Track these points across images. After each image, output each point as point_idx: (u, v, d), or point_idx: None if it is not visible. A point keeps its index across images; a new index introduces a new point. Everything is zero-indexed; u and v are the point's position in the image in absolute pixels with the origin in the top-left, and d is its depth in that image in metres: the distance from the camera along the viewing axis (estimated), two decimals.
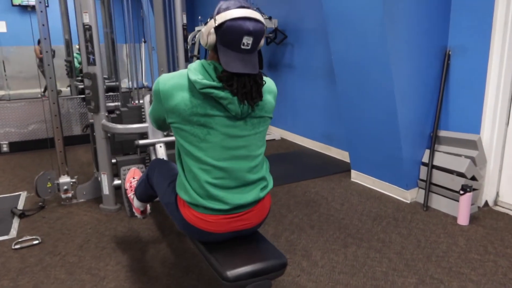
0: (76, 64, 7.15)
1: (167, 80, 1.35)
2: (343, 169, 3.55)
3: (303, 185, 3.25)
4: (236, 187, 1.41)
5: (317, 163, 3.85)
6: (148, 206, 2.14)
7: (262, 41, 1.36)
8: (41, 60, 7.09)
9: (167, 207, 1.57)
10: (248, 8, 1.29)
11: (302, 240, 2.36)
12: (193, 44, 5.97)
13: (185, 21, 2.79)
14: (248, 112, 1.36)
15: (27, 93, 6.84)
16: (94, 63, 2.60)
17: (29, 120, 4.47)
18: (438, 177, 2.75)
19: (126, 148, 3.08)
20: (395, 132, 2.75)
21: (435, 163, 2.78)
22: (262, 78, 1.38)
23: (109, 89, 5.04)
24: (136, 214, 2.12)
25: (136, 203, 2.05)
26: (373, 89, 2.79)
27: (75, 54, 7.34)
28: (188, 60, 2.90)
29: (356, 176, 3.31)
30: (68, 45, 6.03)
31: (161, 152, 2.52)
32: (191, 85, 1.30)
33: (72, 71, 6.07)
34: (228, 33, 1.26)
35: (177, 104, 1.31)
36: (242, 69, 1.29)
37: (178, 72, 1.36)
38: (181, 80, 1.32)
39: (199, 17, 6.07)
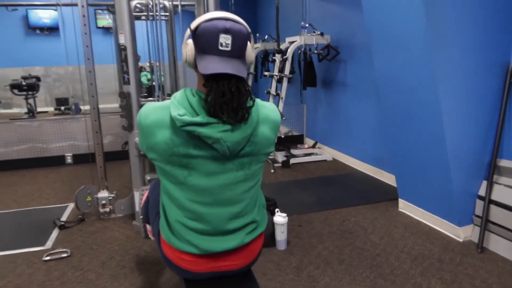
0: (145, 81, 7.57)
1: (148, 113, 1.19)
2: (392, 197, 3.23)
3: (343, 212, 3.01)
4: (213, 234, 1.27)
5: (365, 189, 3.55)
6: None
7: (251, 51, 1.20)
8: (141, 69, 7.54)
9: (155, 238, 1.49)
10: (227, 13, 1.17)
11: (326, 277, 2.14)
12: None
13: (122, 41, 2.70)
14: (237, 149, 1.19)
15: (106, 107, 7.40)
16: (128, 82, 2.67)
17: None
18: (498, 214, 2.35)
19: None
20: (443, 160, 2.41)
21: (494, 197, 2.38)
22: (245, 86, 1.18)
23: None
24: (149, 236, 2.09)
25: (148, 225, 2.02)
26: (418, 109, 2.49)
27: (144, 72, 7.77)
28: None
29: (404, 206, 2.98)
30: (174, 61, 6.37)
31: None
32: (173, 121, 1.15)
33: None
34: (203, 35, 1.12)
35: (157, 143, 1.18)
36: (221, 69, 1.12)
37: (162, 103, 1.20)
38: (162, 115, 1.17)
39: (257, 34, 6.09)
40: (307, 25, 4.28)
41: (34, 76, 9.05)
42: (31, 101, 8.50)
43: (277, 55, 4.45)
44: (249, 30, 1.19)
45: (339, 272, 2.19)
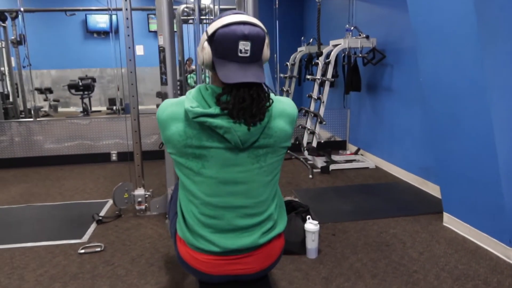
0: (192, 83, 7.73)
1: (165, 108, 1.24)
2: (436, 210, 3.01)
3: (382, 223, 2.85)
4: (228, 231, 1.24)
5: (407, 199, 3.36)
6: None
7: (267, 51, 1.20)
8: (190, 72, 7.78)
9: (172, 239, 1.48)
10: (243, 14, 1.15)
11: None
12: (293, 65, 5.92)
13: (160, 43, 2.68)
14: (250, 140, 1.18)
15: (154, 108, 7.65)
16: (166, 83, 2.70)
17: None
18: None
19: None
20: (493, 172, 2.21)
21: None
22: (264, 92, 1.19)
23: None
24: None
25: None
26: (466, 116, 2.30)
27: (191, 75, 7.94)
28: None
29: (449, 221, 2.76)
30: (181, 65, 6.53)
31: None
32: (187, 114, 1.18)
33: (182, 89, 6.55)
34: (222, 41, 1.12)
35: (171, 135, 1.21)
36: (242, 77, 1.12)
37: (179, 99, 1.25)
38: (177, 109, 1.21)
39: (302, 37, 6.01)
40: (352, 28, 4.14)
41: (90, 77, 9.56)
42: (86, 100, 8.98)
43: (320, 58, 4.35)
44: (265, 30, 1.18)
45: (371, 286, 2.06)
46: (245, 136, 1.16)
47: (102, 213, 3.12)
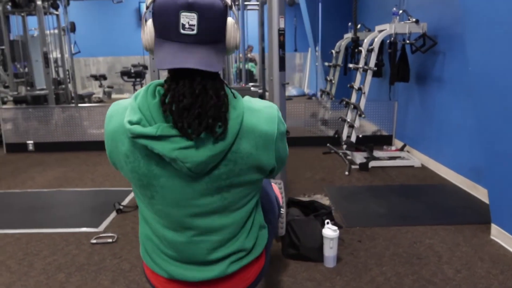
0: (254, 70, 7.57)
1: (112, 115, 0.96)
2: (484, 220, 2.63)
3: (417, 231, 2.53)
4: (188, 264, 1.04)
5: (452, 205, 2.98)
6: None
7: (232, 31, 0.89)
8: (250, 60, 7.75)
9: None
10: None
11: None
12: (337, 53, 5.57)
13: (282, 26, 2.49)
14: (206, 169, 0.90)
15: None
16: None
17: None
18: None
19: None
20: None
21: None
22: (217, 87, 0.88)
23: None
24: None
25: None
26: None
27: (251, 63, 7.78)
28: (284, 69, 2.58)
29: (498, 234, 2.39)
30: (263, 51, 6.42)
31: None
32: None
33: (224, 77, 6.45)
34: (160, 14, 0.84)
35: (117, 155, 0.95)
36: (179, 62, 0.83)
37: (129, 102, 0.93)
38: (123, 119, 0.91)
39: (349, 23, 5.62)
40: (400, 11, 3.74)
41: (141, 65, 9.79)
42: (138, 87, 9.23)
43: (363, 45, 4.01)
44: (229, 2, 0.87)
45: None
46: (197, 167, 0.88)
47: (124, 202, 3.09)
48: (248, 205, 1.04)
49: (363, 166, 3.90)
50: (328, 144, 4.74)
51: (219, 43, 0.88)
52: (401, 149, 4.46)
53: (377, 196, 3.18)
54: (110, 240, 2.46)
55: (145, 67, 9.62)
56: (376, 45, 3.76)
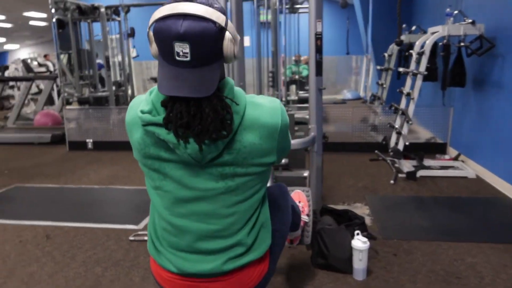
0: (289, 74, 7.58)
1: (130, 107, 1.09)
2: None
3: (461, 248, 2.36)
4: (188, 252, 1.08)
5: (504, 221, 2.74)
6: (299, 236, 1.90)
7: (229, 46, 0.94)
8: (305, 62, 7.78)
9: None
10: (195, 3, 0.90)
11: None
12: (390, 56, 5.36)
13: (319, 30, 2.45)
14: (208, 158, 0.98)
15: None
16: None
17: None
18: None
19: (293, 162, 2.87)
20: None
21: None
22: (213, 105, 0.94)
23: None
24: None
25: None
26: None
27: (290, 65, 7.79)
28: (321, 74, 2.54)
29: None
30: (274, 56, 6.42)
31: None
32: None
33: (274, 81, 6.46)
34: (158, 40, 0.93)
35: (133, 141, 1.07)
36: (174, 90, 0.91)
37: (145, 96, 1.06)
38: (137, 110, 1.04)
39: (403, 25, 5.37)
40: (454, 12, 3.52)
41: None
42: None
43: (415, 48, 3.82)
44: (219, 22, 0.91)
45: None
46: (197, 154, 0.97)
47: None
48: (252, 199, 1.07)
49: (411, 175, 3.71)
50: (376, 151, 4.58)
51: (214, 62, 0.94)
52: (455, 159, 4.19)
53: (421, 208, 3.01)
54: (146, 238, 2.57)
55: None
56: (427, 48, 3.56)
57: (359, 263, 2.04)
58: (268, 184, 2.11)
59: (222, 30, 0.92)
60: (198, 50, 0.89)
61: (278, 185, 1.44)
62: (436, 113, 4.63)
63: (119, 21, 6.82)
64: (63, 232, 2.70)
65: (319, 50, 2.46)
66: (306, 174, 2.65)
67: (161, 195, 1.07)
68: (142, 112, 0.98)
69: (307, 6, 6.15)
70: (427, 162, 4.05)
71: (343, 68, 10.99)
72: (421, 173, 3.77)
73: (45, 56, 11.37)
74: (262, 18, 10.39)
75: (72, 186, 3.76)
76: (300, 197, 1.94)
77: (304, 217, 1.86)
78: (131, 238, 2.58)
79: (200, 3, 0.90)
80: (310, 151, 2.58)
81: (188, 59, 0.90)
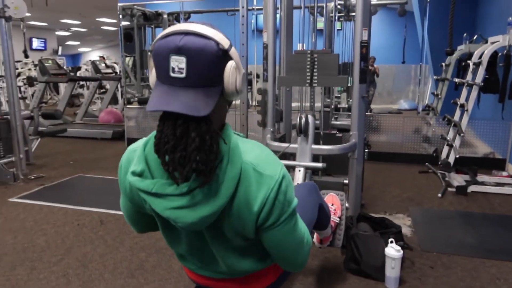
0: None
1: (120, 166, 1.03)
2: None
3: (505, 267, 2.25)
4: (200, 269, 1.16)
5: None
6: (330, 237, 1.93)
7: (230, 71, 0.85)
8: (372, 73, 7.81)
9: None
10: (196, 23, 0.86)
11: None
12: (447, 65, 5.17)
13: (365, 38, 2.47)
14: (200, 228, 0.93)
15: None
16: (267, 80, 2.71)
17: None
18: None
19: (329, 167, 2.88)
20: None
21: None
22: (203, 130, 0.83)
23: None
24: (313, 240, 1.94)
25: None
26: None
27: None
28: (365, 82, 2.55)
29: None
30: None
31: (297, 177, 2.36)
32: None
33: (325, 88, 6.45)
34: (155, 57, 0.85)
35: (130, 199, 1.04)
36: (163, 105, 0.82)
37: (139, 149, 0.94)
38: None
39: (464, 34, 5.15)
40: None
41: (249, 73, 10.37)
42: (249, 95, 9.82)
43: (473, 58, 3.68)
44: (226, 45, 0.85)
45: None
46: (189, 227, 0.88)
47: None
48: (247, 260, 1.07)
49: (461, 190, 3.57)
50: (426, 163, 4.44)
51: (211, 86, 0.85)
52: None
53: (467, 224, 2.90)
54: None
55: (257, 75, 10.15)
56: (484, 59, 3.42)
57: (391, 271, 2.03)
58: (300, 182, 2.17)
59: (225, 54, 0.85)
60: (195, 67, 0.82)
61: (307, 183, 1.50)
62: (496, 127, 4.40)
63: None
64: (115, 220, 2.93)
65: (364, 58, 2.48)
66: (346, 181, 2.66)
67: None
68: (133, 173, 0.90)
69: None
70: (481, 177, 3.86)
71: (400, 77, 10.66)
72: (473, 188, 3.61)
73: (101, 57, 12.20)
74: (320, 25, 10.43)
75: None
76: (334, 200, 1.98)
77: (335, 218, 1.90)
78: None
79: (206, 25, 0.86)
80: (350, 158, 2.59)
81: (183, 75, 0.82)
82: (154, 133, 0.90)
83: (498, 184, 3.76)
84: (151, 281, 2.10)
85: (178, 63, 0.82)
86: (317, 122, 3.04)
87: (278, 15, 2.86)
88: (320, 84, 2.54)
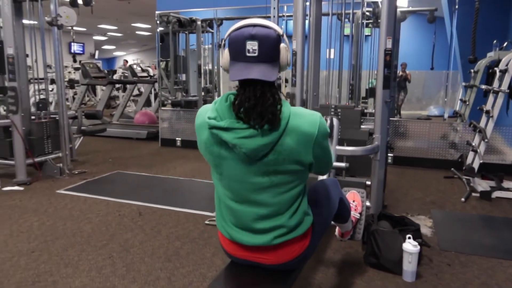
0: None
1: (198, 115, 1.32)
2: None
3: (510, 266, 2.34)
4: (244, 229, 1.36)
5: None
6: (351, 231, 2.09)
7: (284, 53, 1.21)
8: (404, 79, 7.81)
9: None
10: (258, 19, 1.20)
11: None
12: (476, 72, 5.19)
13: (389, 46, 2.62)
14: (259, 155, 1.22)
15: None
16: (295, 85, 2.90)
17: None
18: None
19: (354, 169, 3.06)
20: None
21: None
22: (271, 92, 1.19)
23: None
24: (335, 233, 2.15)
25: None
26: None
27: (371, 80, 7.84)
28: (388, 87, 2.69)
29: None
30: (354, 70, 6.55)
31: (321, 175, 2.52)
32: None
33: (353, 93, 6.57)
34: (232, 43, 1.19)
35: (200, 141, 1.31)
36: (245, 74, 1.16)
37: (211, 105, 1.30)
38: (205, 117, 1.28)
39: (494, 41, 5.16)
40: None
41: (279, 78, 10.51)
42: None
43: (500, 65, 3.73)
44: (281, 32, 1.20)
45: None
46: (250, 152, 1.19)
47: None
48: (292, 192, 1.31)
49: (485, 195, 3.62)
50: (452, 169, 4.49)
51: (274, 61, 1.21)
52: None
53: (489, 227, 2.97)
54: (214, 223, 2.93)
55: (285, 80, 10.31)
56: (510, 65, 3.48)
57: (408, 265, 2.17)
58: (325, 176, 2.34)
59: (279, 38, 1.20)
60: (264, 48, 1.16)
61: (331, 178, 1.69)
62: None
63: (212, 33, 7.47)
64: (152, 212, 3.18)
65: (387, 65, 2.63)
66: (368, 182, 2.80)
67: (222, 185, 1.35)
68: (209, 118, 1.22)
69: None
70: (507, 184, 3.89)
71: (430, 84, 10.58)
72: (497, 194, 3.65)
73: (125, 61, 12.65)
74: (347, 31, 10.50)
75: (162, 176, 4.32)
76: (355, 197, 2.14)
77: (355, 214, 2.06)
78: (207, 222, 2.96)
79: (265, 19, 1.22)
80: (373, 160, 2.74)
81: (256, 54, 1.16)
82: (221, 97, 1.26)
83: None
84: (186, 265, 2.32)
85: (252, 46, 1.16)
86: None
87: (307, 21, 3.04)
88: (343, 136, 2.75)
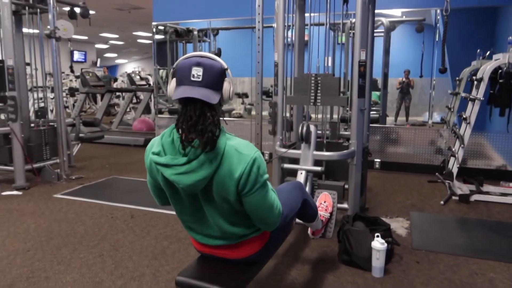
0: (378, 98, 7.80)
1: (146, 149, 1.39)
2: None
3: (487, 265, 2.48)
4: (205, 236, 1.52)
5: None
6: (322, 230, 2.29)
7: (227, 86, 1.30)
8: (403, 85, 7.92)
9: None
10: (207, 53, 1.32)
11: None
12: (460, 80, 5.36)
13: (363, 58, 2.79)
14: (196, 190, 1.32)
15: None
16: (276, 94, 3.08)
17: None
18: None
19: (334, 173, 3.20)
20: None
21: None
22: (212, 113, 1.27)
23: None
24: (308, 232, 2.35)
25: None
26: None
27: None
28: (363, 96, 2.86)
29: None
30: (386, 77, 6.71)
31: (299, 179, 2.69)
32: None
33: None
34: (180, 70, 1.28)
35: (150, 173, 1.42)
36: (187, 93, 1.23)
37: (159, 138, 1.37)
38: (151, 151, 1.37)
39: (478, 50, 5.33)
40: None
41: (271, 86, 10.72)
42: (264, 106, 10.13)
43: (478, 74, 3.90)
44: (225, 66, 1.32)
45: None
46: (188, 188, 1.28)
47: None
48: (243, 208, 1.39)
49: (463, 198, 3.78)
50: (436, 173, 4.65)
51: (216, 90, 1.30)
52: None
53: (463, 228, 3.13)
54: None
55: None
56: (485, 75, 3.64)
57: (377, 262, 2.33)
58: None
59: (223, 71, 1.30)
60: (208, 75, 1.26)
61: (294, 181, 1.86)
62: (509, 140, 4.56)
63: (209, 42, 7.69)
64: (143, 214, 3.35)
65: (362, 75, 2.80)
66: (347, 186, 2.97)
67: (176, 210, 1.48)
68: (153, 153, 1.32)
69: (381, 30, 6.39)
70: (487, 187, 4.04)
71: (426, 91, 10.76)
72: (476, 197, 3.80)
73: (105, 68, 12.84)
74: (340, 39, 10.67)
75: None
76: (326, 198, 2.31)
77: (325, 214, 2.22)
78: None
79: (212, 53, 1.34)
80: (350, 164, 2.90)
81: (200, 79, 1.25)
82: (167, 129, 1.34)
83: (503, 194, 3.93)
84: (171, 263, 2.48)
85: (197, 71, 1.26)
86: (327, 132, 3.38)
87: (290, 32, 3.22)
88: (323, 104, 2.90)
